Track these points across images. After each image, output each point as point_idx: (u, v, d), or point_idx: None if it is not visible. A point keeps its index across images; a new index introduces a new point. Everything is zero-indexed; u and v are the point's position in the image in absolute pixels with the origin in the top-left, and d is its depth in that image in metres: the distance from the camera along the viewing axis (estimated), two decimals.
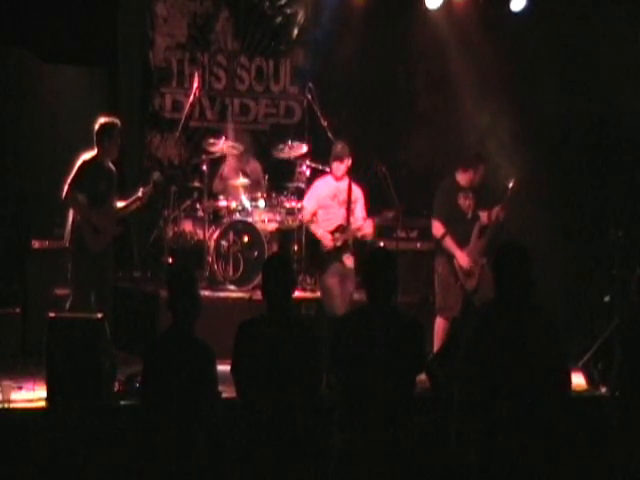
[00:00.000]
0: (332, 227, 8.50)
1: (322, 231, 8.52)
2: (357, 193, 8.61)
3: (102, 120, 7.87)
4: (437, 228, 8.50)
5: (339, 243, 8.42)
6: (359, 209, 8.59)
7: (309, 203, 8.76)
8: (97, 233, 7.80)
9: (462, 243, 8.43)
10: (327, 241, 8.45)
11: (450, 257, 8.43)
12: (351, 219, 8.48)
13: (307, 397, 5.00)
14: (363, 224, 8.49)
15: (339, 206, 8.54)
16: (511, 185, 8.46)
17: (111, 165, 7.98)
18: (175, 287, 5.17)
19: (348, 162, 8.58)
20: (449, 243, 8.42)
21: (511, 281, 4.73)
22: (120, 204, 8.06)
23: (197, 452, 4.96)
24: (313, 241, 8.75)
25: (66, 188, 7.73)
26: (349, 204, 8.49)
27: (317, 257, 8.71)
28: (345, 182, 8.57)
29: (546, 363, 4.68)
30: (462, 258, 8.37)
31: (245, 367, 5.02)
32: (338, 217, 8.52)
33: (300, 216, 9.11)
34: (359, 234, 8.48)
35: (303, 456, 4.93)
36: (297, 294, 8.54)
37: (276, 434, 4.91)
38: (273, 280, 5.09)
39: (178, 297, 5.12)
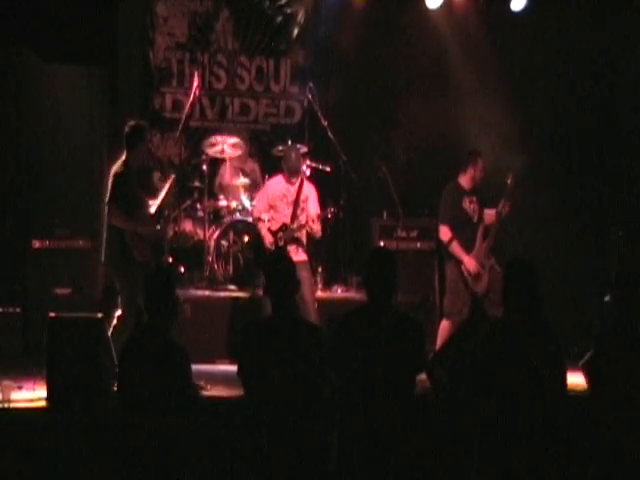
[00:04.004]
0: (277, 227, 8.44)
1: (265, 231, 8.48)
2: (308, 191, 8.50)
3: (132, 122, 7.58)
4: (444, 233, 8.47)
5: (281, 242, 8.35)
6: (312, 207, 8.47)
7: (260, 203, 8.67)
8: (142, 241, 7.44)
9: (469, 247, 8.41)
10: (268, 241, 8.41)
11: (458, 262, 8.40)
12: (301, 218, 8.36)
13: (312, 396, 4.99)
14: (308, 221, 8.34)
15: (287, 206, 8.45)
16: (509, 181, 8.46)
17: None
18: (152, 287, 5.07)
19: (304, 170, 8.63)
20: (456, 248, 8.39)
21: (519, 296, 4.93)
22: (154, 202, 7.79)
23: (180, 451, 4.94)
24: (257, 241, 8.74)
25: (107, 208, 7.40)
26: (296, 203, 8.41)
27: (261, 257, 8.72)
28: (297, 183, 8.49)
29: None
30: (470, 263, 8.35)
31: (252, 368, 5.01)
32: (286, 216, 8.44)
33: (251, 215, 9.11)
34: (298, 233, 8.35)
35: (306, 455, 4.93)
36: None
37: (283, 433, 4.91)
38: (278, 280, 5.10)
39: (155, 298, 5.03)
